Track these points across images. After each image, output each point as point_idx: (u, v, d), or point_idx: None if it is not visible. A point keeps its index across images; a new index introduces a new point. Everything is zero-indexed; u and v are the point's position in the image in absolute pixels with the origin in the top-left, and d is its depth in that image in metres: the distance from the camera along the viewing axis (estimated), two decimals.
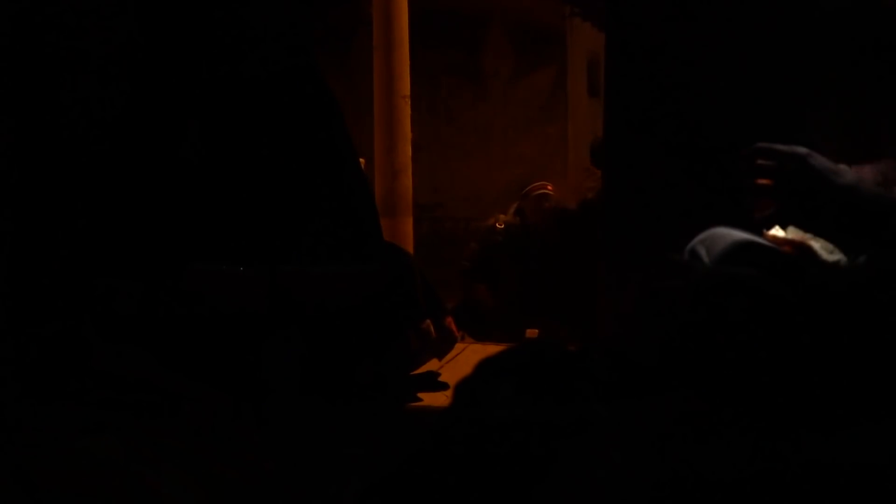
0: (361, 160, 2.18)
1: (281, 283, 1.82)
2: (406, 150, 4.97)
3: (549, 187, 4.29)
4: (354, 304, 1.90)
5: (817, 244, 1.10)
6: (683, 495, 0.70)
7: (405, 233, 4.91)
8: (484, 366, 0.91)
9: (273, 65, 1.92)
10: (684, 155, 1.84)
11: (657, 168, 1.88)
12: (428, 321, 2.11)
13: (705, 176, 1.76)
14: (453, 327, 2.28)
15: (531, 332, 4.05)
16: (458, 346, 2.46)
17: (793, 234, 1.12)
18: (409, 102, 4.95)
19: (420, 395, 2.04)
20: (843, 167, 1.08)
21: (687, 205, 1.75)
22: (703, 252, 1.07)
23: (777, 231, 1.14)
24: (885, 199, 1.04)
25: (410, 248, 4.80)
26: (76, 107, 1.86)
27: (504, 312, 4.21)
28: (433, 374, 2.17)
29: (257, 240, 1.83)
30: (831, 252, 1.09)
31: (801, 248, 1.09)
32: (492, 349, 1.01)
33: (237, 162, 1.86)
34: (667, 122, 1.87)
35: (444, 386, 2.09)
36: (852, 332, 0.85)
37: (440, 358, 2.26)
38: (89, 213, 1.83)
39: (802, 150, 1.08)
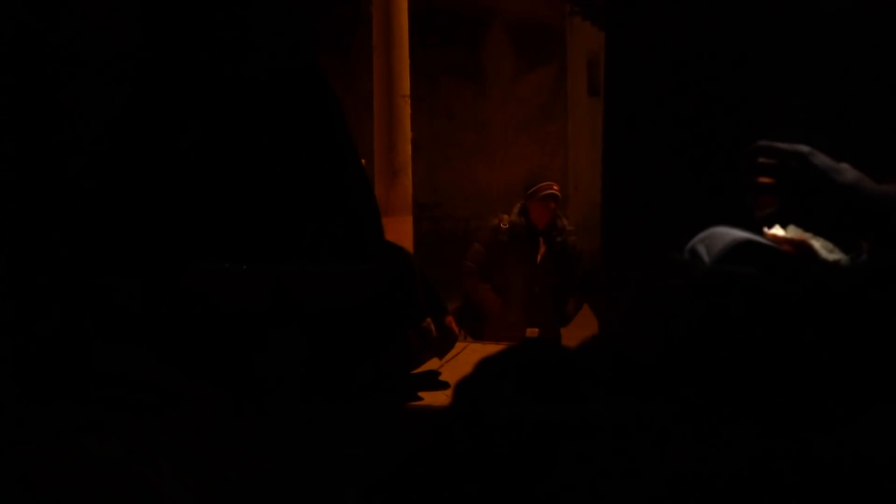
0: (362, 160, 2.17)
1: (282, 282, 1.82)
2: (406, 150, 4.97)
3: (555, 187, 4.26)
4: (355, 304, 1.90)
5: (818, 243, 1.09)
6: (683, 495, 0.70)
7: (405, 232, 4.91)
8: (484, 365, 0.91)
9: (274, 64, 1.92)
10: (684, 154, 1.84)
11: (657, 167, 1.88)
12: (429, 320, 2.11)
13: (705, 175, 1.76)
14: (454, 326, 2.28)
15: (531, 332, 4.04)
16: (459, 346, 2.45)
17: (793, 232, 1.12)
18: (409, 102, 4.95)
19: (420, 394, 2.03)
20: (844, 165, 1.08)
21: (687, 204, 1.75)
22: (703, 251, 1.06)
23: (777, 230, 1.13)
24: (886, 198, 1.04)
25: (410, 248, 4.80)
26: (76, 107, 1.86)
27: (508, 312, 4.20)
28: (434, 374, 2.16)
29: (258, 239, 1.83)
30: (832, 251, 1.08)
31: (802, 247, 1.09)
32: (492, 349, 1.01)
33: (238, 161, 1.86)
34: (667, 121, 1.87)
35: (444, 385, 2.09)
36: (852, 332, 0.85)
37: (441, 357, 2.26)
38: (89, 212, 1.83)
39: (804, 148, 1.08)
